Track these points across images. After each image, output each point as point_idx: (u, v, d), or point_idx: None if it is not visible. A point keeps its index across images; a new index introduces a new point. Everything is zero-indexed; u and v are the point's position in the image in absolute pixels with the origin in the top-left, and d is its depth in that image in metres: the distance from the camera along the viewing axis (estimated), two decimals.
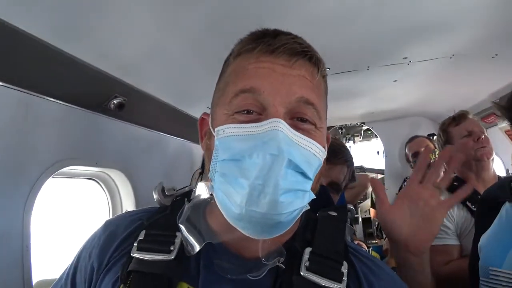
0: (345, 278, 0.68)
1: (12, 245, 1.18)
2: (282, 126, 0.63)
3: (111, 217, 1.70)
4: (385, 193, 0.98)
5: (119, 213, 1.56)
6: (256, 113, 0.67)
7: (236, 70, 0.72)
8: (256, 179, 0.60)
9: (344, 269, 0.70)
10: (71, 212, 1.90)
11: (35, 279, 1.28)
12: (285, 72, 0.68)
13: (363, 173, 3.38)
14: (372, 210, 3.94)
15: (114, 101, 1.53)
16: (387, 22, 1.53)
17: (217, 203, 0.68)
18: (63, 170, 1.40)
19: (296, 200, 0.64)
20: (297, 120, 0.68)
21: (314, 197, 0.68)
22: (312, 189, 0.69)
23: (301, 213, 0.68)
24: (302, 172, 0.64)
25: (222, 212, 0.67)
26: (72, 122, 1.40)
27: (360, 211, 5.76)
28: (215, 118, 0.72)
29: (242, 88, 0.67)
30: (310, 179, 0.66)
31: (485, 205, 1.30)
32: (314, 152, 0.67)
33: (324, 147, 0.71)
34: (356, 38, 1.68)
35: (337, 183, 1.74)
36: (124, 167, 1.76)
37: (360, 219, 5.80)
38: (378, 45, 1.81)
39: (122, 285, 0.70)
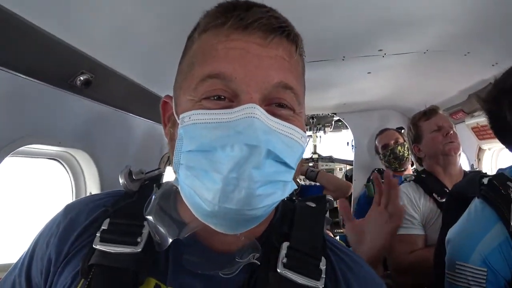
0: (323, 275, 0.65)
1: None
2: (258, 113, 0.56)
3: (74, 199, 1.63)
4: (351, 213, 1.22)
5: (82, 196, 1.49)
6: (227, 99, 0.59)
7: (203, 49, 0.63)
8: (231, 173, 0.53)
9: (323, 265, 0.66)
10: (32, 194, 1.80)
11: None
12: (260, 53, 0.60)
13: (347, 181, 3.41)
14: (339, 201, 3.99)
15: (81, 78, 1.44)
16: (364, 14, 1.52)
17: (184, 199, 0.62)
18: (23, 148, 1.31)
19: (277, 192, 0.58)
20: (275, 106, 0.61)
21: (296, 187, 0.64)
22: (294, 179, 0.63)
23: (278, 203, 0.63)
24: (283, 161, 0.58)
25: (191, 209, 0.61)
26: (34, 98, 1.31)
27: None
28: (179, 104, 0.65)
29: (210, 73, 0.59)
30: (292, 168, 0.61)
31: (453, 199, 1.33)
32: (295, 138, 0.61)
33: (305, 131, 0.65)
34: (333, 27, 1.67)
35: None
36: (89, 147, 1.67)
37: None
38: (355, 36, 1.81)
39: (82, 280, 0.63)
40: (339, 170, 5.52)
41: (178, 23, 1.48)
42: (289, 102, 0.62)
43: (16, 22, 1.09)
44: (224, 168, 0.54)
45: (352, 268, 0.70)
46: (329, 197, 0.83)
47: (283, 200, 0.73)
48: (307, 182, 3.48)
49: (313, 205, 0.78)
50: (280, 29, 0.62)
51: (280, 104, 0.62)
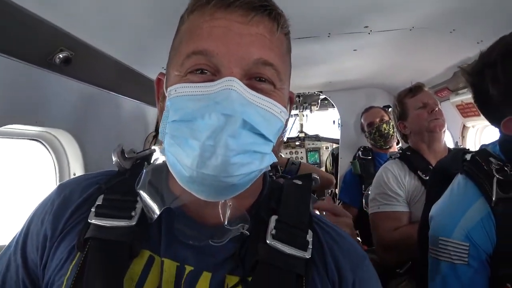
0: (310, 246, 0.69)
1: None
2: (236, 85, 0.60)
3: (58, 181, 1.61)
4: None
5: (66, 178, 1.46)
6: (210, 73, 0.64)
7: (190, 28, 0.67)
8: (207, 140, 0.57)
9: (309, 237, 0.70)
10: (13, 176, 1.76)
11: None
12: (241, 31, 0.63)
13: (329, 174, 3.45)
14: None
15: (60, 55, 1.39)
16: None
17: (169, 167, 0.65)
18: (2, 129, 1.27)
19: (254, 161, 0.62)
20: (255, 80, 0.65)
21: (275, 160, 0.66)
22: (274, 152, 0.66)
23: (259, 175, 0.66)
24: (260, 133, 0.62)
25: (174, 176, 0.64)
26: (10, 76, 1.26)
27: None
28: (169, 79, 0.69)
29: (194, 49, 0.63)
30: (270, 140, 0.64)
31: (437, 175, 1.35)
32: (273, 112, 0.64)
33: (286, 107, 0.68)
34: (318, 3, 1.64)
35: None
36: (72, 127, 1.64)
37: None
38: (340, 12, 1.79)
39: (79, 253, 0.67)
40: (326, 148, 5.56)
41: (163, 2, 1.45)
42: (269, 77, 0.66)
43: None
44: (202, 135, 0.58)
45: (337, 241, 0.75)
46: (315, 175, 0.88)
47: (271, 178, 0.80)
48: None
49: (300, 182, 0.82)
50: (261, 7, 0.65)
51: (261, 78, 0.65)
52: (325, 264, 0.71)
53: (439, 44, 2.20)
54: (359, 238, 2.90)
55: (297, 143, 5.59)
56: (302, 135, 5.76)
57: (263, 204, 0.76)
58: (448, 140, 2.86)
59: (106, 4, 1.39)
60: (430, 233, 1.17)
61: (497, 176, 1.03)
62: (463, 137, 2.78)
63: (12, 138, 1.50)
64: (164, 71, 0.75)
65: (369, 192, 2.21)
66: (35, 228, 0.74)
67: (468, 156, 1.15)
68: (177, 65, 0.66)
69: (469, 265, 1.04)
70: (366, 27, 1.99)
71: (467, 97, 2.39)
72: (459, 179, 1.15)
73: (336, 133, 4.06)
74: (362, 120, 3.31)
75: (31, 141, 1.64)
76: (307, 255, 0.68)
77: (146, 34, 1.72)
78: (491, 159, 1.08)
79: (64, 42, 1.39)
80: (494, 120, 1.10)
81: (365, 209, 2.51)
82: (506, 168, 1.04)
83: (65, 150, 1.70)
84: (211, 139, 0.57)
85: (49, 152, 1.70)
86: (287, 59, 0.73)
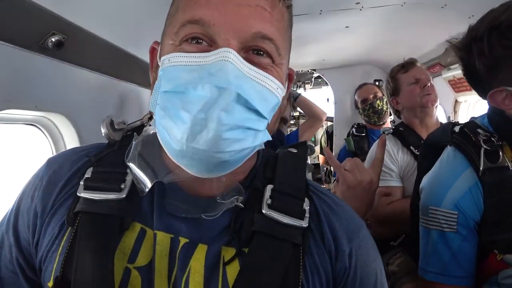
0: (307, 215, 0.68)
1: None
2: (232, 57, 0.58)
3: None
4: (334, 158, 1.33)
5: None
6: (206, 43, 0.61)
7: None
8: (199, 113, 0.55)
9: (306, 206, 0.69)
10: (11, 160, 1.77)
11: None
12: (240, 1, 0.60)
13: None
14: (321, 157, 4.09)
15: (52, 39, 1.38)
16: None
17: (159, 139, 0.64)
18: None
19: (247, 138, 0.60)
20: (253, 53, 0.63)
21: (270, 138, 0.65)
22: (269, 130, 0.65)
23: (252, 153, 0.65)
24: (255, 109, 0.60)
25: (164, 149, 0.63)
26: (3, 61, 1.26)
27: (309, 156, 5.96)
28: (163, 48, 0.67)
29: (190, 18, 0.61)
30: (264, 117, 0.63)
31: (427, 148, 1.38)
32: (270, 88, 0.63)
33: (283, 84, 0.67)
34: None
35: (282, 117, 1.98)
36: (67, 111, 1.64)
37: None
38: None
39: (69, 228, 0.66)
40: (321, 127, 5.59)
41: None
42: (268, 52, 0.63)
43: None
44: (193, 107, 0.56)
45: (334, 209, 0.74)
46: (310, 143, 0.86)
47: (266, 148, 0.76)
48: None
49: (295, 150, 0.81)
50: None
51: (259, 52, 0.63)
52: (322, 233, 0.70)
53: (431, 19, 2.21)
54: None
55: (291, 121, 5.61)
56: (296, 114, 5.78)
57: (258, 173, 0.74)
58: (441, 115, 2.89)
59: None
60: (421, 203, 1.20)
61: (484, 146, 1.07)
62: (455, 112, 2.81)
63: (8, 123, 1.50)
64: (159, 41, 0.72)
65: None
66: (25, 205, 0.72)
67: (457, 128, 1.18)
68: (171, 34, 0.64)
69: (458, 233, 1.09)
70: (358, 3, 1.99)
71: (458, 72, 2.40)
72: (448, 151, 1.18)
73: (330, 111, 4.07)
74: (355, 97, 3.33)
75: (27, 125, 1.65)
76: (304, 224, 0.67)
77: (139, 16, 1.71)
78: (479, 130, 1.11)
79: (56, 25, 1.38)
80: (481, 92, 1.12)
81: None
82: (493, 139, 1.07)
83: (61, 133, 1.71)
84: (202, 112, 0.55)
85: (46, 136, 1.71)
86: (287, 33, 0.70)
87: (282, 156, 0.78)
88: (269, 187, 0.70)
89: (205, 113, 0.55)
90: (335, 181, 1.33)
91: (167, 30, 0.67)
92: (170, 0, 0.72)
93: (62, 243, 0.66)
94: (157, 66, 0.68)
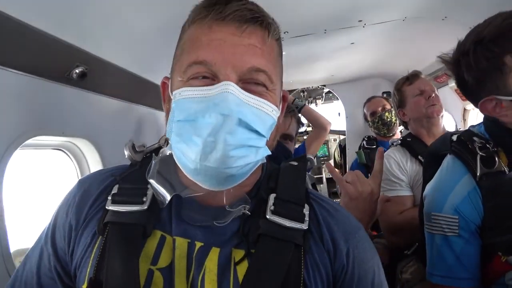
0: (307, 218, 0.76)
1: None
2: (232, 88, 0.67)
3: None
4: (336, 171, 1.38)
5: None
6: (210, 79, 0.71)
7: (191, 39, 0.74)
8: (209, 136, 0.65)
9: (306, 211, 0.77)
10: (41, 183, 1.90)
11: (12, 248, 1.31)
12: (235, 42, 0.70)
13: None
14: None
15: (76, 70, 1.52)
16: None
17: (176, 161, 0.74)
18: (30, 141, 1.40)
19: (249, 155, 0.70)
20: (249, 83, 0.72)
21: (269, 153, 0.75)
22: (268, 146, 0.75)
23: (255, 167, 0.75)
24: (254, 129, 0.69)
25: (181, 168, 0.73)
26: (35, 93, 1.39)
27: (324, 171, 5.99)
28: (173, 84, 0.76)
29: (195, 60, 0.70)
30: (263, 136, 0.72)
31: (430, 157, 1.43)
32: (265, 111, 0.72)
33: (277, 106, 0.76)
34: (312, 1, 1.73)
35: (286, 134, 2.24)
36: (91, 136, 1.77)
37: (324, 179, 6.05)
38: (334, 8, 1.87)
39: (100, 238, 0.75)
40: (334, 140, 5.64)
41: (164, 13, 1.56)
42: (262, 81, 0.73)
43: (14, 24, 1.17)
44: (203, 132, 0.66)
45: (332, 213, 0.82)
46: (310, 156, 0.95)
47: (269, 163, 0.87)
48: None
49: (295, 163, 0.89)
50: (253, 19, 0.72)
51: (254, 82, 0.72)
52: (321, 235, 0.77)
53: (433, 31, 2.26)
54: None
55: (305, 137, 5.67)
56: (309, 129, 5.83)
57: (263, 185, 0.83)
58: (451, 124, 2.91)
59: (116, 22, 1.51)
60: (424, 210, 1.25)
61: (480, 153, 1.12)
62: (464, 120, 2.83)
63: (38, 148, 1.63)
64: (169, 76, 0.82)
65: None
66: (61, 220, 0.82)
67: (454, 137, 1.23)
68: (180, 72, 0.73)
69: (460, 236, 1.13)
70: (360, 21, 2.07)
71: None
72: (448, 159, 1.24)
73: (342, 125, 4.13)
74: (364, 110, 3.37)
75: (54, 150, 1.78)
76: (304, 226, 0.75)
77: (153, 44, 1.83)
78: (475, 138, 1.16)
79: (79, 58, 1.51)
80: (474, 102, 1.18)
81: None
82: (488, 146, 1.13)
83: (86, 157, 1.83)
84: (211, 136, 0.65)
85: (71, 160, 1.83)
86: (278, 62, 0.80)
87: (283, 169, 0.87)
88: (272, 196, 0.78)
89: (214, 136, 0.65)
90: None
91: (175, 68, 0.77)
92: (179, 29, 0.82)
93: (94, 250, 0.75)
94: (169, 98, 0.78)
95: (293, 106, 2.94)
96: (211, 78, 0.71)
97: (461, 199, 1.13)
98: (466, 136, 1.19)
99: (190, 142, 0.68)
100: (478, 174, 1.10)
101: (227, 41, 0.70)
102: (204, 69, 0.71)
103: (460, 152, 1.18)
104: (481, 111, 1.15)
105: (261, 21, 0.74)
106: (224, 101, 0.67)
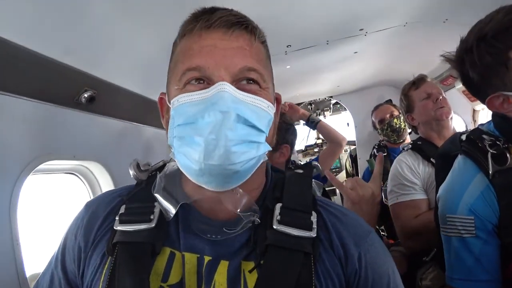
0: (315, 226, 0.75)
1: (3, 241, 1.23)
2: (227, 88, 0.69)
3: None
4: (337, 179, 1.39)
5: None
6: (205, 83, 0.73)
7: (183, 50, 0.76)
8: (210, 135, 0.67)
9: (313, 218, 0.76)
10: (54, 207, 1.92)
11: (27, 273, 1.32)
12: (225, 46, 0.73)
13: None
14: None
15: (85, 95, 1.56)
16: None
17: (179, 166, 0.75)
18: (42, 166, 1.43)
19: (250, 150, 0.71)
20: (242, 83, 0.74)
21: (270, 148, 0.76)
22: (269, 142, 0.77)
23: (259, 164, 0.75)
24: (253, 125, 0.71)
25: (185, 173, 0.74)
26: (46, 118, 1.42)
27: None
28: (170, 94, 0.78)
29: (189, 66, 0.73)
30: (262, 131, 0.73)
31: (441, 160, 1.41)
32: (262, 107, 0.74)
33: (272, 103, 0.78)
34: (312, 13, 1.74)
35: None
36: (101, 158, 1.79)
37: (338, 191, 5.98)
38: (334, 19, 1.89)
39: (109, 258, 0.75)
40: (344, 151, 5.59)
41: (170, 36, 1.59)
42: (254, 79, 0.75)
43: (23, 53, 1.21)
44: (204, 131, 0.68)
45: (341, 218, 0.81)
46: (315, 163, 0.95)
47: (275, 172, 0.88)
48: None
49: (301, 171, 0.89)
50: (238, 23, 0.75)
51: (247, 81, 0.74)
52: (331, 241, 0.76)
53: (435, 34, 2.26)
54: (384, 233, 2.92)
55: (315, 149, 5.66)
56: (319, 141, 5.82)
57: (268, 194, 0.82)
58: (461, 125, 2.88)
59: (122, 45, 1.55)
60: (439, 213, 1.23)
61: (491, 151, 1.10)
62: (474, 121, 2.81)
63: (50, 173, 1.66)
64: (165, 91, 0.84)
65: (387, 186, 2.25)
66: (70, 243, 0.82)
67: (463, 137, 1.22)
68: (175, 81, 0.75)
69: (478, 237, 1.10)
70: (361, 29, 2.09)
71: None
72: (459, 160, 1.22)
73: (352, 135, 4.11)
74: (372, 119, 3.36)
75: (67, 174, 1.80)
76: (313, 234, 0.74)
77: (159, 66, 1.85)
78: (484, 136, 1.15)
79: (88, 83, 1.55)
80: (481, 99, 1.17)
81: (385, 203, 2.55)
82: (498, 143, 1.11)
83: (97, 179, 1.86)
84: (213, 134, 0.67)
85: (84, 183, 1.86)
86: (267, 63, 0.82)
87: (289, 178, 0.86)
88: (278, 205, 0.78)
89: (215, 134, 0.67)
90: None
91: (171, 80, 0.79)
92: None
93: (104, 271, 0.75)
94: (168, 109, 0.79)
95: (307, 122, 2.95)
96: (206, 82, 0.73)
97: (475, 198, 1.11)
98: (475, 134, 1.18)
99: (192, 143, 0.69)
100: (490, 172, 1.09)
101: (217, 46, 0.73)
102: (199, 74, 0.73)
103: (471, 151, 1.16)
104: (489, 108, 1.14)
105: (246, 25, 0.77)
106: (221, 99, 0.68)
